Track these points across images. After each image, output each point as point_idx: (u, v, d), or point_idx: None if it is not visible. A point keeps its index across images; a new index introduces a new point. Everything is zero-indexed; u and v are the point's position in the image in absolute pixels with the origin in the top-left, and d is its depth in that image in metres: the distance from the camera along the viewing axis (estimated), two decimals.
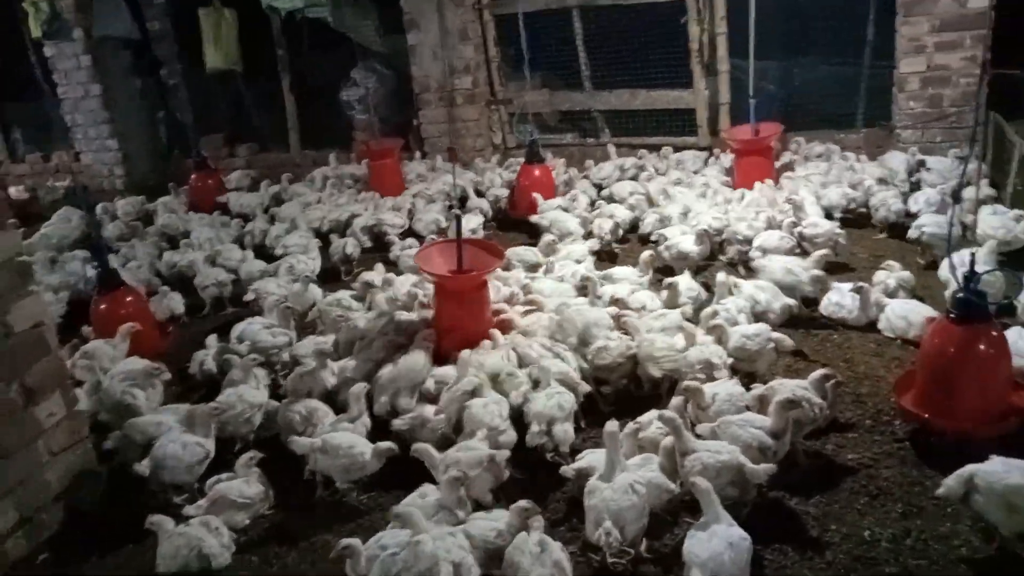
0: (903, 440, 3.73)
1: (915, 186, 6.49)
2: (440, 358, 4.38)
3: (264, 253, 6.78)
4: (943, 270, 4.74)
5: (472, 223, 6.54)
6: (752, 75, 6.85)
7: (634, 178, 7.50)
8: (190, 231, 7.31)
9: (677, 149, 7.96)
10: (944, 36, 6.82)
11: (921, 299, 4.84)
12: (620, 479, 3.07)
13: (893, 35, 7.16)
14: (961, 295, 3.59)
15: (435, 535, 2.88)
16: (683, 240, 5.68)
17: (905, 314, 4.50)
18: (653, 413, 3.66)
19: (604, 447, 3.23)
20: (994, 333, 3.57)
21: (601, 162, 7.97)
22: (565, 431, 3.71)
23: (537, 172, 7.29)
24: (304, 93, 9.88)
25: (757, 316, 4.59)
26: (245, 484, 3.55)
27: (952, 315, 3.60)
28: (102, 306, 5.28)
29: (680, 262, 5.61)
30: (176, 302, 6.00)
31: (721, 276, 4.87)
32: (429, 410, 3.92)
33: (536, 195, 6.98)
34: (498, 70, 8.82)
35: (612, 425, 3.21)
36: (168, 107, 10.76)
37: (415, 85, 8.86)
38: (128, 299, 5.34)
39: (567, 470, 3.45)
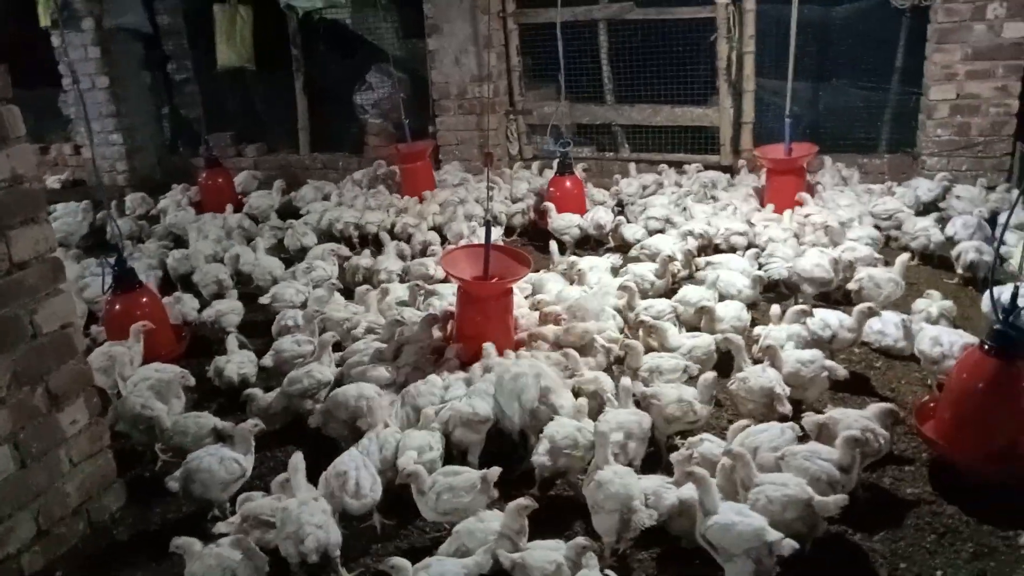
0: (963, 475, 3.60)
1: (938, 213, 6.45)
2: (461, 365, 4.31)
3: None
4: (985, 303, 4.64)
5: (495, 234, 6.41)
6: (789, 94, 6.77)
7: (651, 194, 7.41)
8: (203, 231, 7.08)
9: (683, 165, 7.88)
10: (976, 65, 6.77)
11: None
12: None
13: (922, 62, 7.12)
14: (999, 328, 3.48)
15: None
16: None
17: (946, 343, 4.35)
18: (703, 437, 3.55)
19: None
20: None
21: (622, 177, 7.83)
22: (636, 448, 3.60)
23: (568, 183, 7.16)
24: (316, 94, 9.70)
25: (816, 343, 4.41)
26: (277, 500, 3.34)
27: (988, 347, 3.48)
28: (117, 307, 5.05)
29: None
30: (188, 306, 5.78)
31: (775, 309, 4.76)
32: None
33: (548, 205, 6.86)
34: (519, 80, 8.69)
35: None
36: (174, 103, 10.53)
37: (434, 91, 8.71)
38: (144, 300, 5.11)
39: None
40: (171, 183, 8.98)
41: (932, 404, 3.83)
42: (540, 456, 3.48)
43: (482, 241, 4.74)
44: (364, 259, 6.23)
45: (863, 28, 7.56)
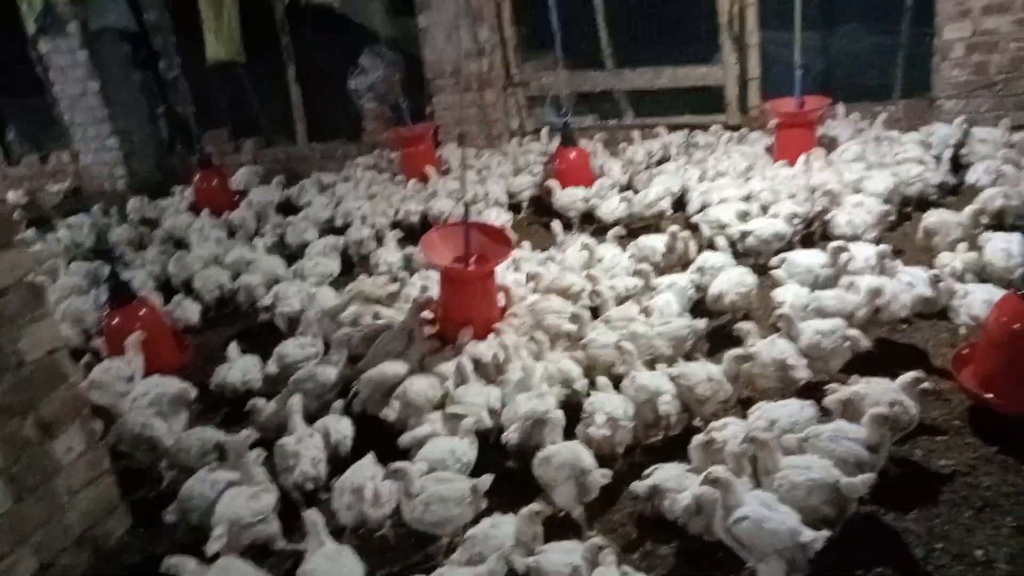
0: (1000, 443, 3.40)
1: (958, 160, 6.16)
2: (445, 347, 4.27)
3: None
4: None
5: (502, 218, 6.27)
6: (797, 44, 6.47)
7: (663, 160, 7.16)
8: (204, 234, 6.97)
9: (702, 128, 7.57)
10: None
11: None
12: None
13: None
14: None
15: None
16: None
17: (989, 299, 4.14)
18: (727, 421, 3.37)
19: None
20: None
21: (628, 144, 7.57)
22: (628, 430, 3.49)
23: (573, 155, 6.94)
24: (310, 83, 9.49)
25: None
26: (255, 500, 3.22)
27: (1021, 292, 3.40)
28: (115, 320, 4.95)
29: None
30: (190, 311, 5.68)
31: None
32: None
33: (552, 182, 6.67)
34: (515, 51, 8.42)
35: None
36: (168, 102, 10.37)
37: (427, 70, 8.47)
38: (142, 312, 5.01)
39: (639, 486, 3.15)
40: (172, 184, 8.87)
41: (967, 354, 3.72)
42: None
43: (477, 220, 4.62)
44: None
45: None
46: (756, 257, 5.18)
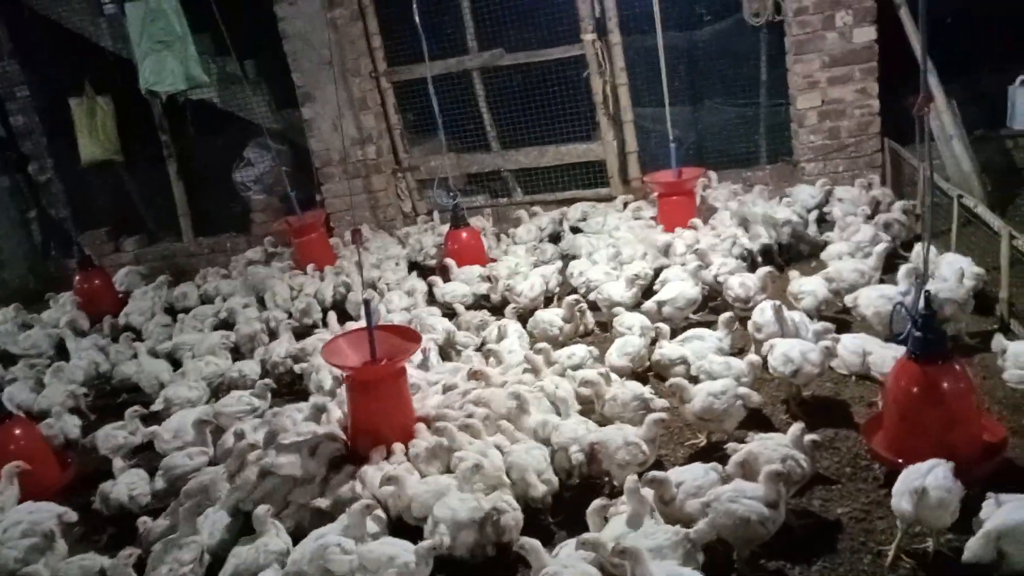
0: (888, 486, 3.56)
1: (823, 217, 6.65)
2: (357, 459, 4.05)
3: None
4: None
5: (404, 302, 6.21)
6: (668, 119, 6.91)
7: (555, 238, 7.37)
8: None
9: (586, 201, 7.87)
10: (835, 71, 7.04)
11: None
12: None
13: (785, 73, 7.36)
14: (920, 335, 3.49)
15: None
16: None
17: (858, 348, 4.41)
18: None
19: None
20: (957, 368, 3.49)
21: (514, 226, 7.72)
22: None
23: (465, 235, 7.06)
24: (193, 178, 9.30)
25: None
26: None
27: (914, 355, 3.50)
28: None
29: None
30: (69, 425, 5.29)
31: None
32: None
33: (448, 261, 6.75)
34: (401, 137, 8.57)
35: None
36: (41, 204, 9.89)
37: (315, 159, 8.48)
38: (17, 431, 4.64)
39: None
40: (47, 291, 8.38)
41: (875, 421, 3.83)
42: None
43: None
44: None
45: (725, 47, 7.78)
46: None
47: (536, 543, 3.08)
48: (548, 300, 6.12)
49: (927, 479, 3.00)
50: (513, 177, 8.57)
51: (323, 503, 3.77)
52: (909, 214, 6.09)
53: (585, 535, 3.13)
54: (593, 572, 2.95)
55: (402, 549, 3.23)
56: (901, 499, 3.03)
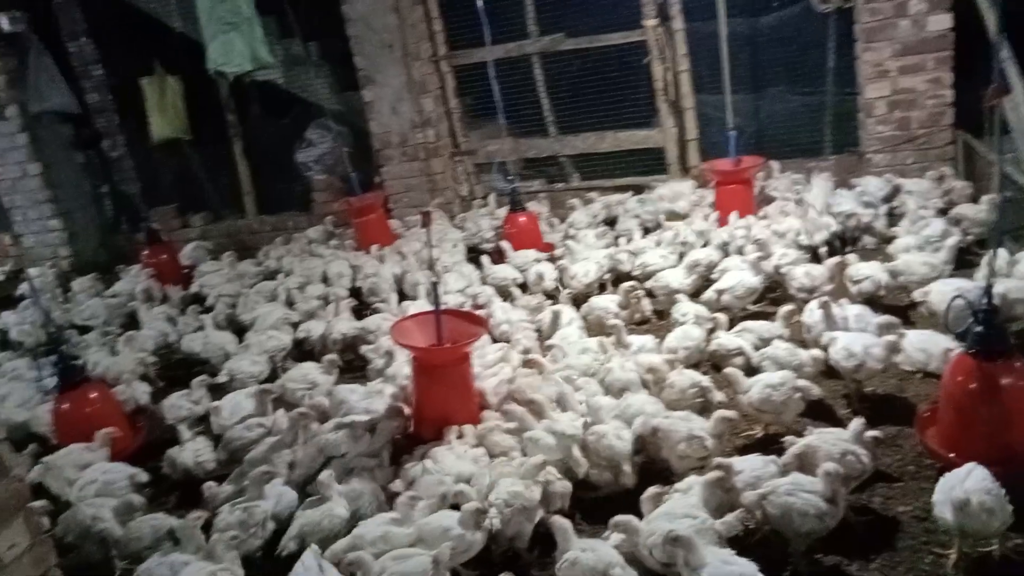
0: None
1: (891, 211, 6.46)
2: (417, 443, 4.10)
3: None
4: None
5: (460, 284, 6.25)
6: (729, 107, 6.82)
7: (612, 222, 7.32)
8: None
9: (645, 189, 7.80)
10: (907, 60, 6.83)
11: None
12: None
13: (853, 62, 7.17)
14: (980, 330, 3.41)
15: None
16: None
17: (924, 346, 4.30)
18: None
19: None
20: (1018, 366, 3.39)
21: (570, 210, 7.70)
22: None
23: (523, 219, 7.10)
24: (258, 157, 9.51)
25: None
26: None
27: (973, 351, 3.42)
28: (65, 405, 4.79)
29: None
30: (139, 391, 5.52)
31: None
32: None
33: (504, 244, 6.79)
34: (459, 121, 8.61)
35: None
36: (112, 180, 10.26)
37: (375, 141, 8.58)
38: (93, 395, 4.85)
39: None
40: (118, 263, 8.71)
41: (929, 416, 3.76)
42: None
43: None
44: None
45: (792, 35, 7.61)
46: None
47: (567, 524, 3.08)
48: (602, 286, 6.13)
49: (966, 484, 2.90)
50: (570, 163, 8.56)
51: (399, 485, 3.79)
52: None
53: (618, 516, 3.14)
54: (614, 557, 2.93)
55: (456, 521, 3.30)
56: (943, 508, 2.95)
